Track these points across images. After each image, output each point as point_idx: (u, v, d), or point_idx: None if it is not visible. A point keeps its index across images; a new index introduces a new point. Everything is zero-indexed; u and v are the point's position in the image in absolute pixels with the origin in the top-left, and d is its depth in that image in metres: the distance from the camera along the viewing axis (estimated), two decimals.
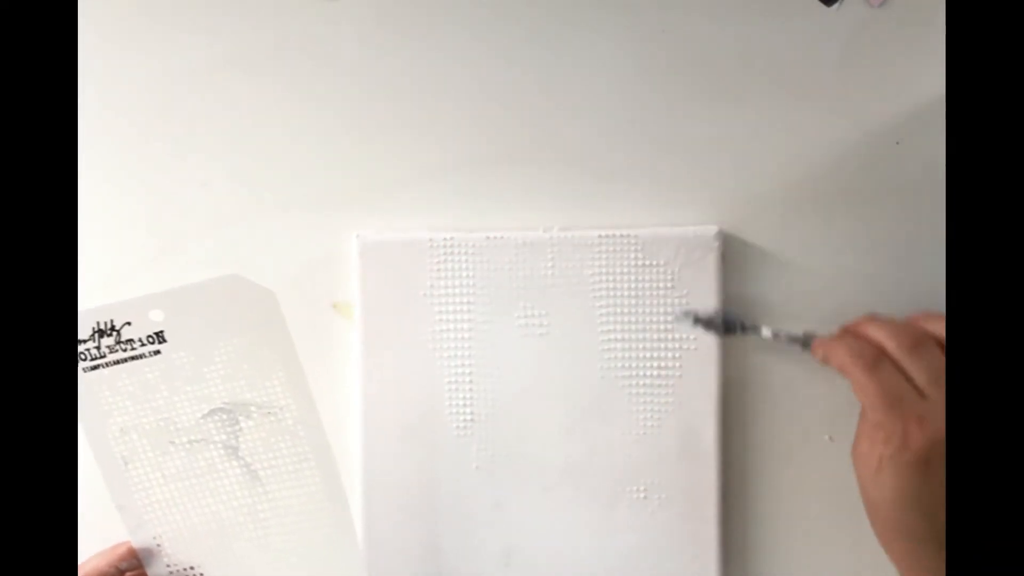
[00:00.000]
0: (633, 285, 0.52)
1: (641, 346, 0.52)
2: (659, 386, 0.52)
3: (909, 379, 0.45)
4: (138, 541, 0.54)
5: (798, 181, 0.54)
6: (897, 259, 0.53)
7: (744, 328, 0.52)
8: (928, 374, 0.45)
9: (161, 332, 0.53)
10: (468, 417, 0.53)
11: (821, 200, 0.54)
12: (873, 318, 0.48)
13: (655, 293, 0.52)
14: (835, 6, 0.53)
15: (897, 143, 0.53)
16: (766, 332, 0.51)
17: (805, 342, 0.50)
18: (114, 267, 0.55)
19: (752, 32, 0.53)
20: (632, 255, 0.52)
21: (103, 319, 0.53)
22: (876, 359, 0.45)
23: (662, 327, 0.52)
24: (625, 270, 0.52)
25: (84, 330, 0.53)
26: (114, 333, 0.53)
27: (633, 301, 0.52)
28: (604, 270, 0.52)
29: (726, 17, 0.53)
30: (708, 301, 0.52)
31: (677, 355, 0.52)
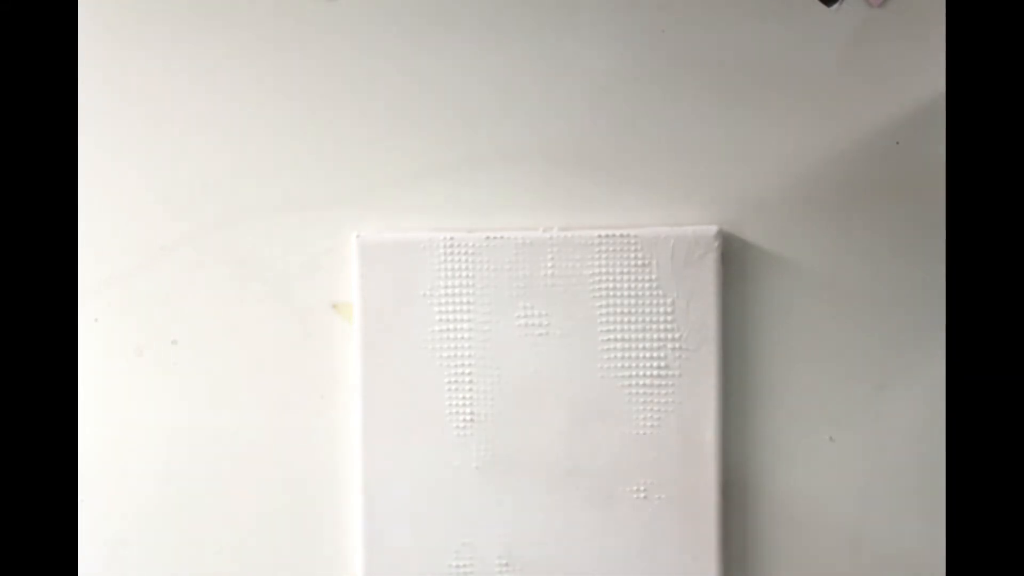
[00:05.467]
0: (633, 285, 0.52)
1: (641, 346, 0.52)
2: (659, 386, 0.52)
3: None
4: None
5: (798, 181, 0.54)
6: (897, 259, 0.53)
7: None
8: None
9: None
10: (468, 417, 0.53)
11: (821, 200, 0.54)
12: None
13: (655, 293, 0.52)
14: (835, 6, 0.53)
15: (897, 143, 0.53)
16: None
17: None
18: (114, 266, 0.55)
19: (752, 32, 0.53)
20: (632, 255, 0.52)
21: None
22: None
23: (662, 327, 0.52)
24: (625, 270, 0.52)
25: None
26: None
27: (633, 301, 0.52)
28: (604, 270, 0.52)
29: (726, 18, 0.53)
30: (708, 300, 0.52)
31: (677, 355, 0.52)
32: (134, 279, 0.55)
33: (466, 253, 0.53)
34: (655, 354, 0.52)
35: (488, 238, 0.53)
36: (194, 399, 0.55)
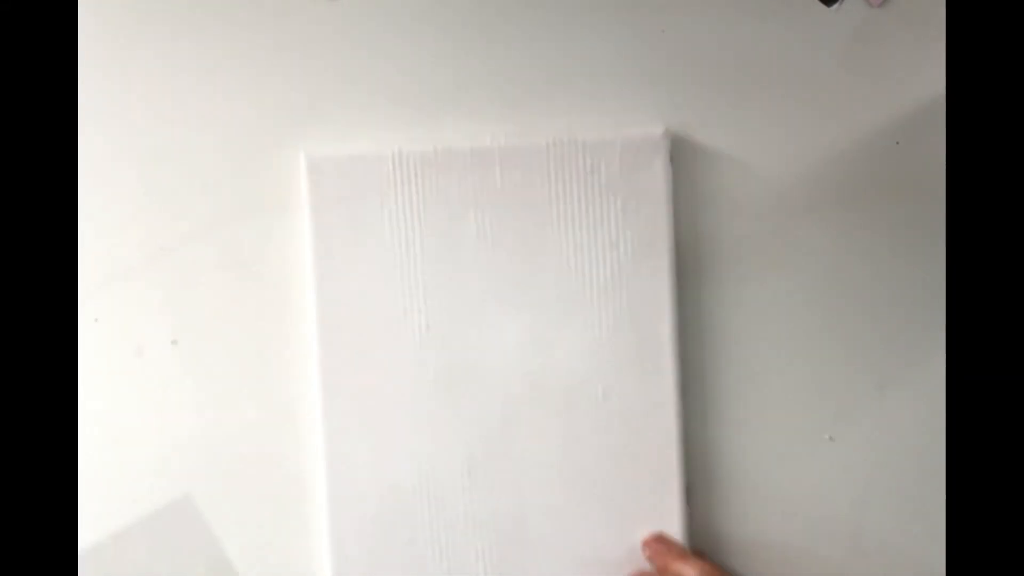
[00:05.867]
0: (583, 191, 0.53)
1: (593, 249, 0.53)
2: (613, 289, 0.53)
3: None
4: None
5: (798, 181, 0.54)
6: (897, 259, 0.53)
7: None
8: None
9: None
10: (424, 329, 0.53)
11: (820, 200, 0.54)
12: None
13: (606, 198, 0.53)
14: (835, 6, 0.53)
15: (897, 143, 0.53)
16: None
17: None
18: (114, 266, 0.54)
19: (752, 32, 0.53)
20: (580, 161, 0.53)
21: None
22: None
23: (614, 231, 0.53)
24: (575, 176, 0.53)
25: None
26: None
27: (584, 206, 0.53)
28: (553, 177, 0.53)
29: (726, 18, 0.53)
30: (658, 202, 0.52)
31: (629, 258, 0.53)
32: (134, 279, 0.55)
33: (415, 166, 0.53)
34: (608, 257, 0.53)
35: (437, 150, 0.53)
36: (194, 399, 0.55)
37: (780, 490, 0.54)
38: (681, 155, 0.53)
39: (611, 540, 0.53)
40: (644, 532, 0.52)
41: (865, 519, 0.52)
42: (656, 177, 0.52)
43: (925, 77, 0.53)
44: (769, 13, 0.53)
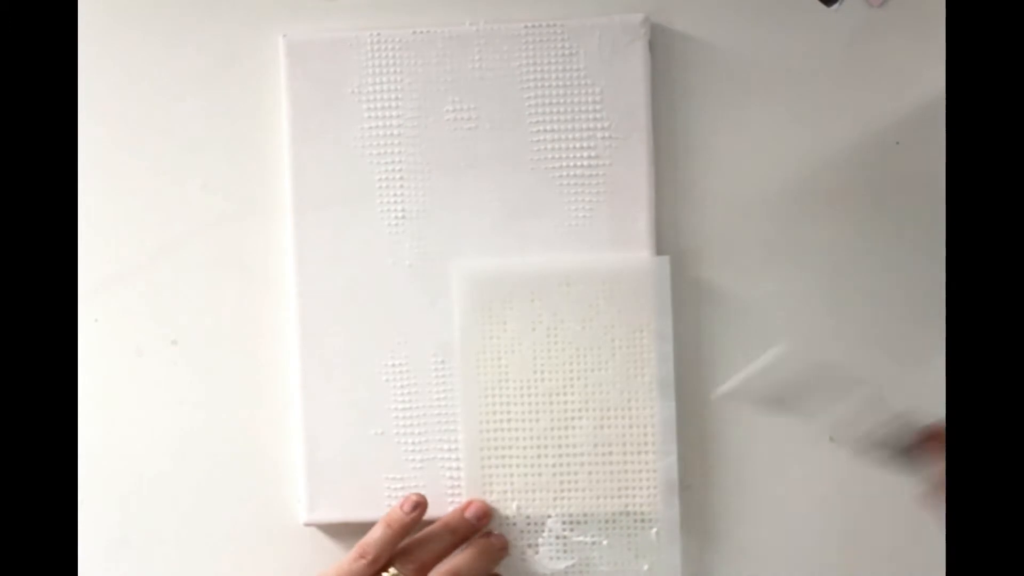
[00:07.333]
0: (561, 75, 0.53)
1: (570, 136, 0.53)
2: (589, 176, 0.53)
3: None
4: None
5: (797, 181, 0.54)
6: (897, 259, 0.53)
7: None
8: None
9: None
10: (400, 214, 0.53)
11: (820, 200, 0.54)
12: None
13: (583, 82, 0.52)
14: (835, 6, 0.53)
15: (897, 143, 0.53)
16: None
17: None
18: (114, 266, 0.54)
19: (752, 32, 0.53)
20: (559, 45, 0.53)
21: None
22: None
23: (591, 117, 0.52)
24: (552, 60, 0.53)
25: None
26: None
27: (561, 91, 0.53)
28: (531, 61, 0.53)
29: (726, 17, 0.53)
30: (637, 89, 0.52)
31: (607, 144, 0.52)
32: (134, 279, 0.55)
33: (393, 49, 0.53)
34: (585, 143, 0.53)
35: (415, 33, 0.53)
36: (194, 399, 0.55)
37: (780, 491, 0.54)
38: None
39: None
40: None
41: (865, 520, 0.52)
42: (635, 64, 0.52)
43: (925, 77, 0.53)
44: (769, 13, 0.53)
